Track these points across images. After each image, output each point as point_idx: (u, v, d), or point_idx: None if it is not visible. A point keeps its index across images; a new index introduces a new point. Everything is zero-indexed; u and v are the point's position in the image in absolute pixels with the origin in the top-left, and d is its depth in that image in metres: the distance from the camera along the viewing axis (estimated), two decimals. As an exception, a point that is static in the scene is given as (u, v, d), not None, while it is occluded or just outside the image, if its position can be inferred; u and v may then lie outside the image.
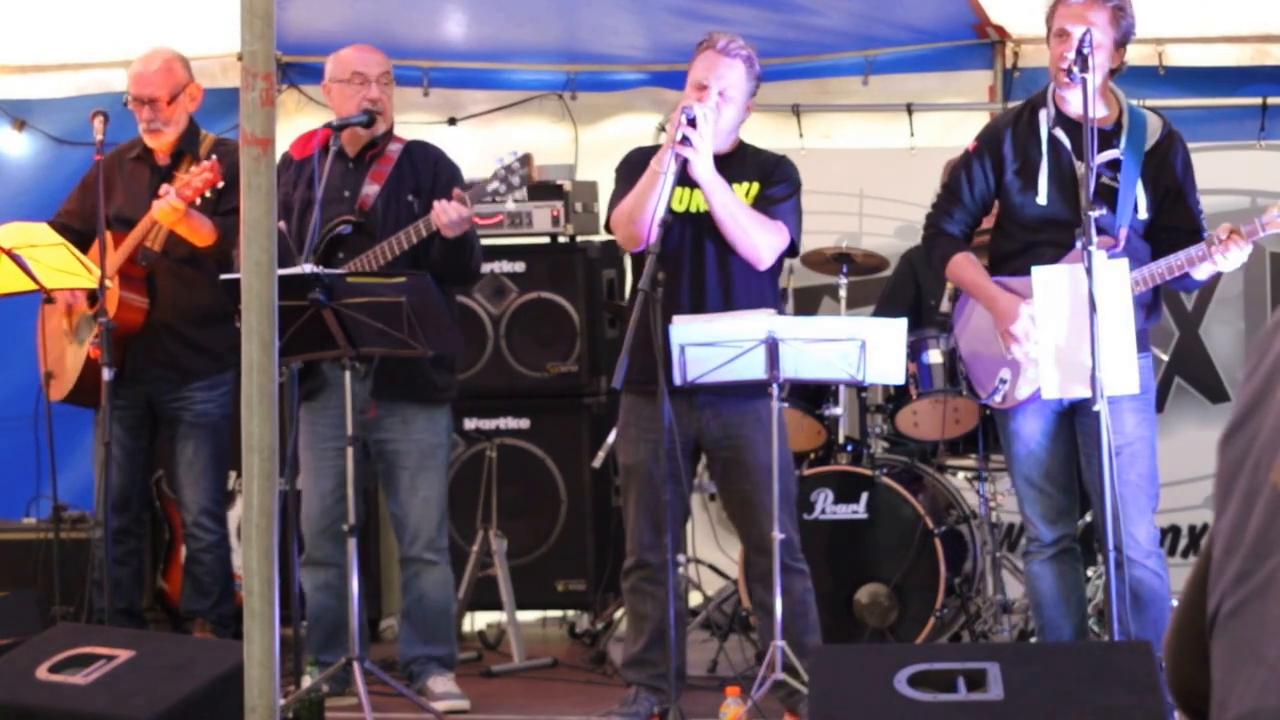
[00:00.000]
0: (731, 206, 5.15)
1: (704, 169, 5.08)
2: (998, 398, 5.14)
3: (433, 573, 5.65)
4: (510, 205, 5.74)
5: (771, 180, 5.28)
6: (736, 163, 5.29)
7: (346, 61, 5.69)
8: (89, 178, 6.21)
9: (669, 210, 5.06)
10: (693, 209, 5.22)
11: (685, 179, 5.16)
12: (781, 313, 5.35)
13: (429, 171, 5.67)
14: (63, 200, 6.31)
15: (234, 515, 6.44)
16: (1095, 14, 4.92)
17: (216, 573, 6.20)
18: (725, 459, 5.26)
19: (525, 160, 5.39)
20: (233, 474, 6.64)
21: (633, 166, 5.30)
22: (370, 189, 5.63)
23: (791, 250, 5.33)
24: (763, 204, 5.24)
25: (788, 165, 5.37)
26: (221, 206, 5.87)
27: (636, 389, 5.13)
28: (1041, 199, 5.05)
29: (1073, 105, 4.97)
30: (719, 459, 5.29)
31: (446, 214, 5.33)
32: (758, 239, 5.17)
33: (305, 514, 5.67)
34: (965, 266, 5.20)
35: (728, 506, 5.48)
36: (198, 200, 5.80)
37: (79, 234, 6.01)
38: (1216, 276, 5.18)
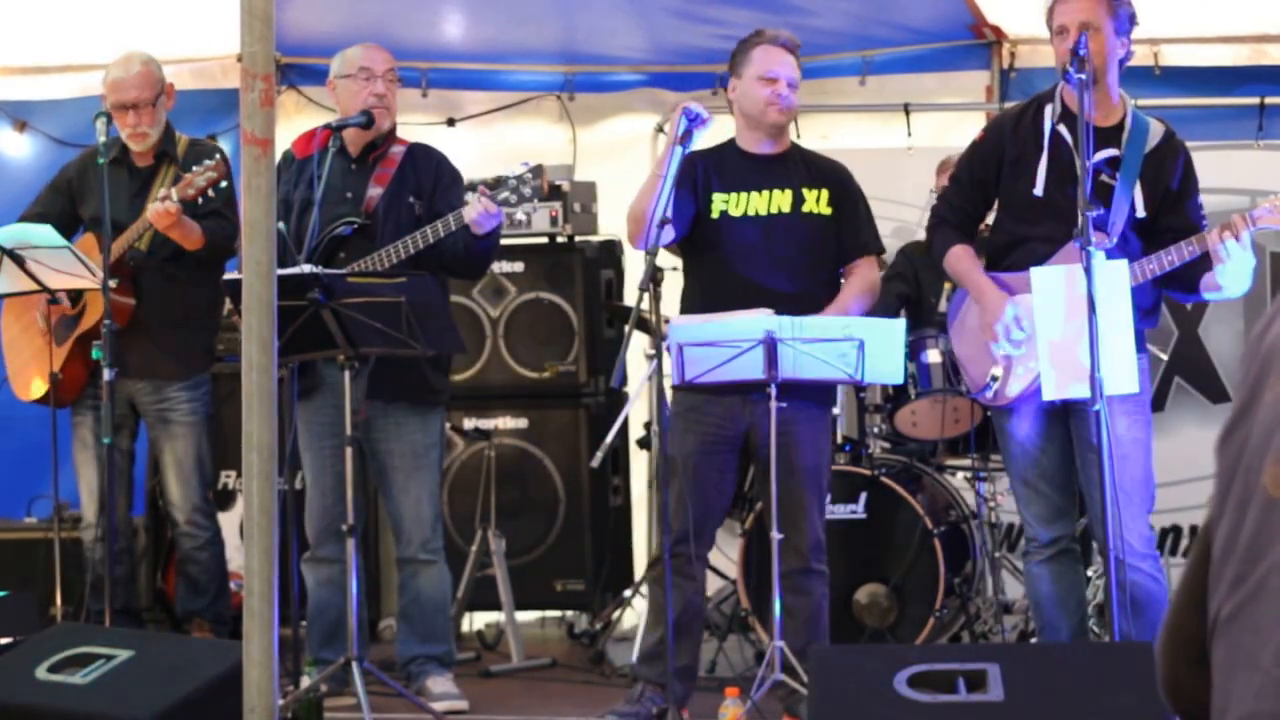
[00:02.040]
0: (855, 311, 5.28)
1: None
2: (989, 394, 5.14)
3: (429, 572, 5.65)
4: (520, 215, 5.77)
5: (846, 206, 5.34)
6: (797, 165, 5.36)
7: (353, 58, 5.71)
8: (60, 181, 6.21)
9: (725, 215, 5.13)
10: (750, 212, 5.25)
11: (743, 183, 5.22)
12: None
13: (430, 174, 5.68)
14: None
15: (234, 515, 6.45)
16: (1092, 7, 4.92)
17: (212, 571, 6.20)
18: (775, 456, 5.25)
19: (537, 171, 5.40)
20: (232, 473, 6.66)
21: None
22: (374, 191, 5.64)
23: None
24: (852, 240, 5.34)
25: (850, 180, 5.43)
26: (201, 209, 5.87)
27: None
28: (1038, 189, 5.05)
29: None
30: (767, 455, 5.27)
31: (474, 209, 5.35)
32: (872, 296, 5.39)
33: (308, 512, 5.69)
34: (961, 258, 5.20)
35: (766, 503, 5.47)
36: (199, 201, 5.81)
37: None
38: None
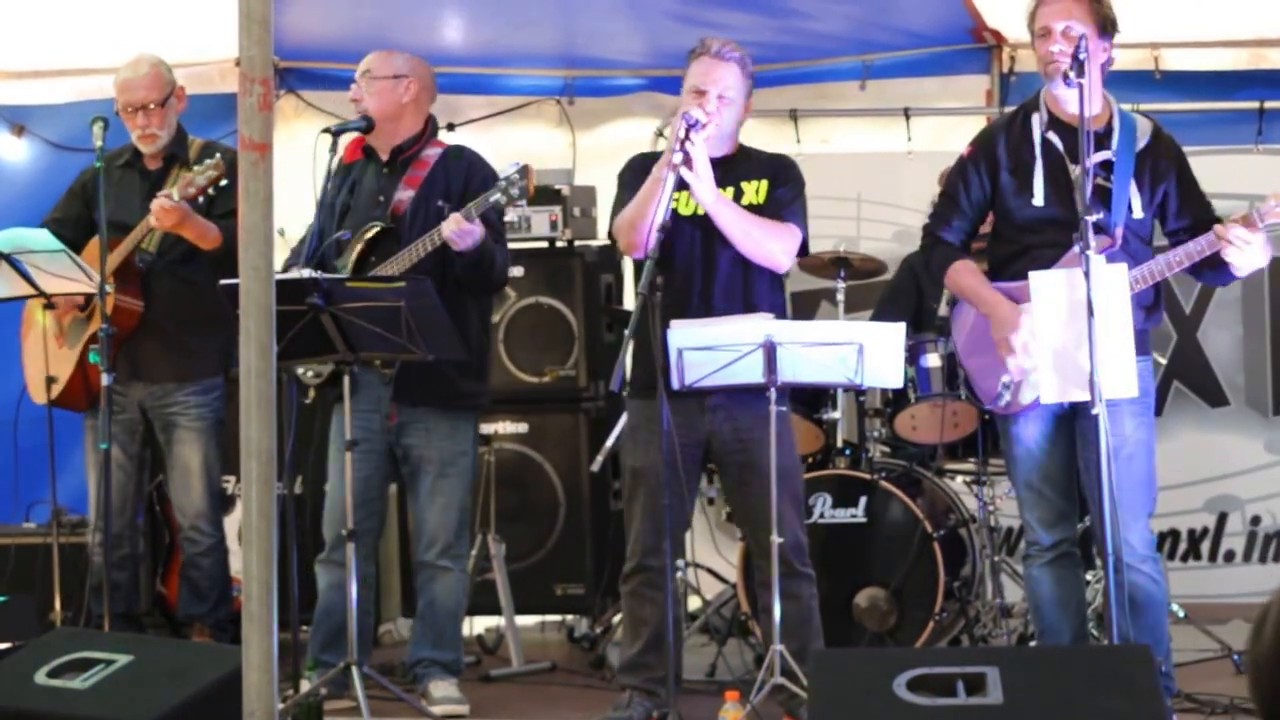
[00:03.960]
0: (740, 222, 5.20)
1: (705, 192, 5.14)
2: (1001, 403, 5.12)
3: (445, 579, 5.66)
4: (510, 216, 5.75)
5: (778, 181, 5.32)
6: (741, 164, 5.33)
7: None
8: (77, 185, 6.22)
9: (673, 214, 5.11)
10: (700, 212, 5.24)
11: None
12: (784, 315, 5.34)
13: (460, 176, 5.68)
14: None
15: (234, 519, 6.45)
16: (1073, 9, 4.93)
17: (214, 576, 6.21)
18: (738, 463, 5.26)
19: (524, 172, 5.41)
20: (232, 478, 6.65)
21: (635, 172, 5.32)
22: (404, 194, 5.66)
23: (802, 250, 5.35)
24: (773, 206, 5.28)
25: (791, 166, 5.42)
26: (216, 210, 5.88)
27: (644, 393, 5.15)
28: (1038, 199, 5.05)
29: (1066, 107, 4.98)
30: (731, 463, 5.29)
31: (449, 226, 5.35)
32: (772, 246, 5.23)
33: (328, 514, 5.71)
34: (964, 273, 5.19)
35: (738, 510, 5.48)
36: (200, 199, 5.81)
37: (68, 241, 6.01)
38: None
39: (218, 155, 5.90)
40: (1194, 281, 6.20)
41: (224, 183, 5.75)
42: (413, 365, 5.42)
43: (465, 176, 5.68)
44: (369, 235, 5.60)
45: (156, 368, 6.05)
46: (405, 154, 5.71)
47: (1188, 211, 5.07)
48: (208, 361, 6.11)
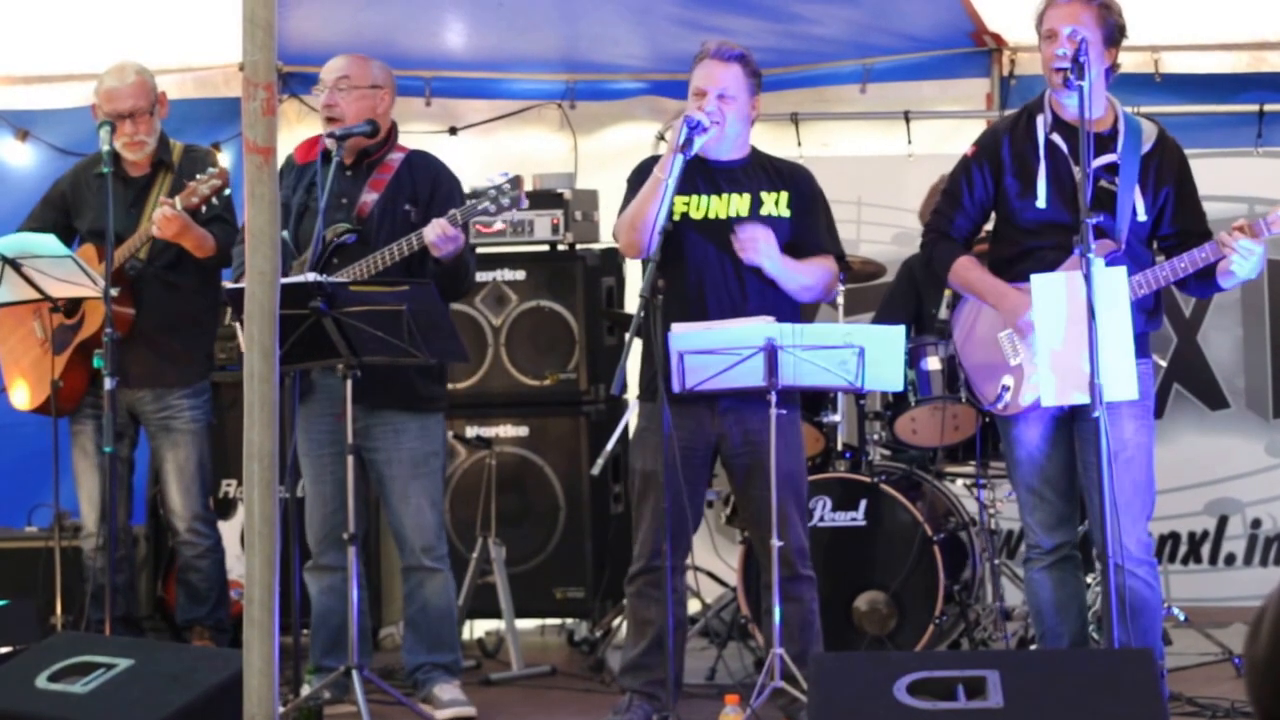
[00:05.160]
0: (801, 279, 5.28)
1: (772, 266, 5.19)
2: (1000, 405, 5.13)
3: (434, 580, 5.65)
4: (499, 225, 5.70)
5: (803, 207, 5.33)
6: (755, 171, 5.33)
7: None
8: (54, 194, 6.23)
9: (684, 218, 5.12)
10: (710, 216, 5.24)
11: (704, 187, 5.21)
12: (794, 318, 5.36)
13: (428, 182, 5.67)
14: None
15: (235, 523, 6.45)
16: (1081, 13, 4.94)
17: (212, 579, 6.21)
18: (747, 465, 5.26)
19: (516, 182, 5.38)
20: (233, 482, 6.66)
21: (643, 175, 5.31)
22: (369, 197, 5.64)
23: (843, 266, 5.49)
24: (808, 239, 5.32)
25: (810, 181, 5.41)
26: (204, 215, 5.88)
27: (652, 396, 5.15)
28: (1041, 203, 5.05)
29: (1070, 109, 4.98)
30: (740, 465, 5.29)
31: (433, 231, 5.34)
32: (823, 288, 5.37)
33: (308, 520, 5.69)
34: (969, 268, 5.19)
35: (745, 513, 5.48)
36: (203, 209, 5.82)
37: None
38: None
39: (221, 164, 5.91)
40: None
41: (227, 191, 5.77)
42: (375, 369, 5.40)
43: (432, 182, 5.66)
44: (339, 237, 5.58)
45: (149, 372, 6.04)
46: (370, 157, 5.71)
47: (1181, 220, 5.08)
48: (197, 364, 6.13)
